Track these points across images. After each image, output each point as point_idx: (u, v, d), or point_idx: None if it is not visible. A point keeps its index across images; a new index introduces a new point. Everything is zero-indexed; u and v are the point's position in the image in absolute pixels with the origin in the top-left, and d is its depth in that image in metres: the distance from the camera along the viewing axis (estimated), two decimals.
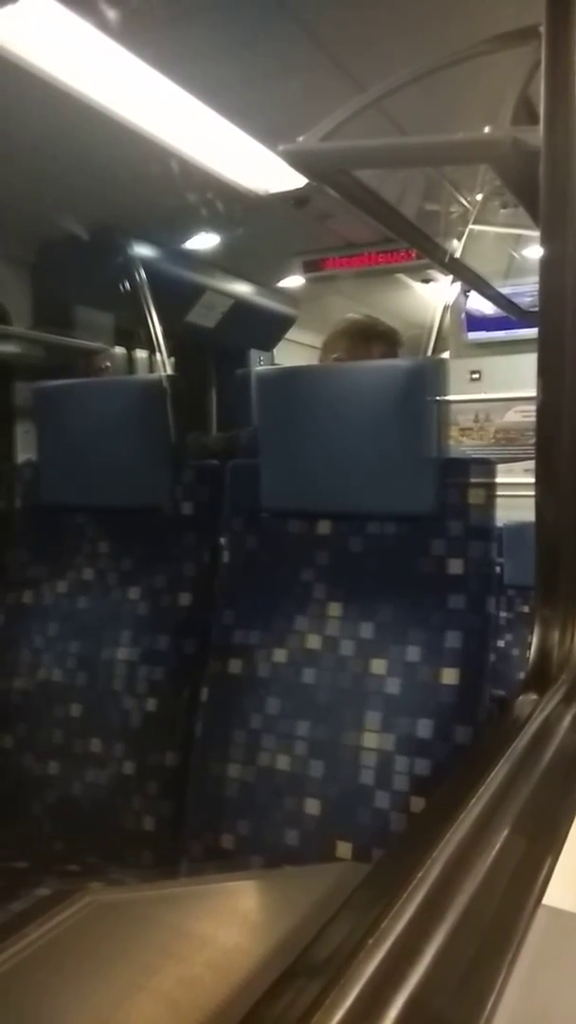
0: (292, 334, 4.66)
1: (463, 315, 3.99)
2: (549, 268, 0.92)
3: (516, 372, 3.36)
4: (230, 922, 0.58)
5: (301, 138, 1.27)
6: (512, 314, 2.26)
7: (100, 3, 1.69)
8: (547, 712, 0.80)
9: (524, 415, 3.64)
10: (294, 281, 4.14)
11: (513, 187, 1.23)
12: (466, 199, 3.02)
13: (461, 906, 0.49)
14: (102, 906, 0.55)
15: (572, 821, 0.63)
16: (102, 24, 1.79)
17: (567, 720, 0.79)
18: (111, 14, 1.73)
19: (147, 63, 2.01)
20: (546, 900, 0.53)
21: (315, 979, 0.42)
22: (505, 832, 0.58)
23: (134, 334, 3.60)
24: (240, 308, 3.98)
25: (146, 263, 3.34)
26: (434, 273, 3.94)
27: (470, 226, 3.06)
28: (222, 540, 1.33)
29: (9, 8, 1.66)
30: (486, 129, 1.16)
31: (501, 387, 3.49)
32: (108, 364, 3.49)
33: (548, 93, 0.92)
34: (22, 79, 1.95)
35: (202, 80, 2.13)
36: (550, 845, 0.58)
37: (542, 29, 0.93)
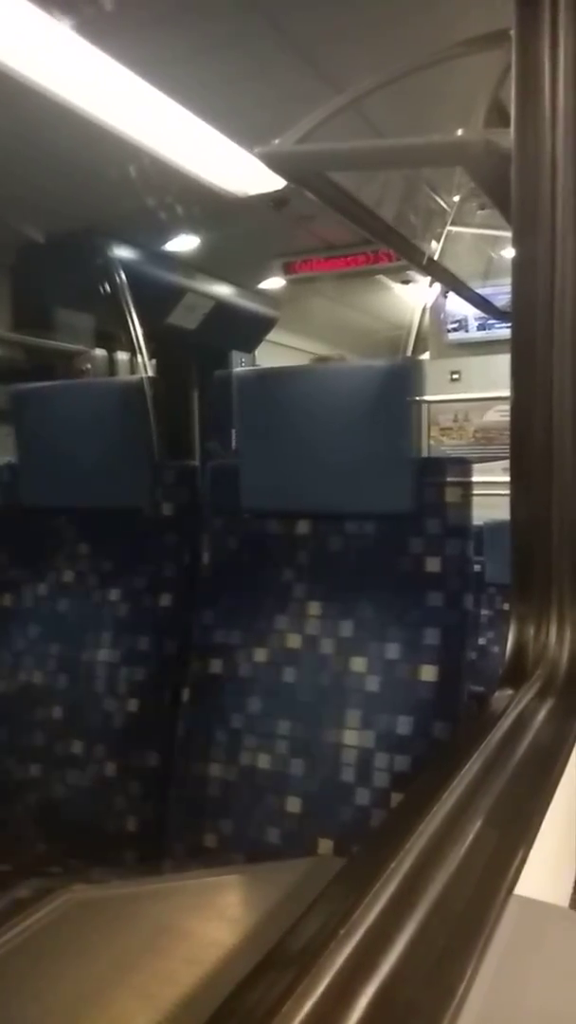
0: (273, 335, 4.66)
1: (442, 315, 4.02)
2: (521, 269, 0.93)
3: (495, 372, 3.39)
4: (209, 917, 0.58)
5: (277, 140, 1.28)
6: (490, 314, 2.28)
7: (75, 5, 1.70)
8: (522, 706, 0.81)
9: (503, 415, 3.66)
10: (275, 283, 4.15)
11: (486, 189, 1.25)
12: (443, 200, 3.04)
13: (433, 896, 0.49)
14: (81, 902, 0.55)
15: (545, 812, 0.64)
16: (78, 26, 1.79)
17: (541, 714, 0.81)
18: (86, 16, 1.73)
19: (124, 65, 2.01)
20: (518, 890, 0.53)
21: (287, 970, 0.42)
22: (478, 824, 0.58)
23: (115, 336, 3.59)
24: (221, 310, 3.98)
25: (126, 265, 3.33)
26: (414, 274, 3.96)
27: (448, 228, 3.08)
28: (203, 540, 1.34)
29: None
30: (459, 131, 1.17)
31: (481, 387, 3.52)
32: (89, 366, 3.49)
33: (519, 96, 0.93)
34: None
35: (180, 81, 2.13)
36: (522, 836, 0.59)
37: (512, 33, 0.94)
